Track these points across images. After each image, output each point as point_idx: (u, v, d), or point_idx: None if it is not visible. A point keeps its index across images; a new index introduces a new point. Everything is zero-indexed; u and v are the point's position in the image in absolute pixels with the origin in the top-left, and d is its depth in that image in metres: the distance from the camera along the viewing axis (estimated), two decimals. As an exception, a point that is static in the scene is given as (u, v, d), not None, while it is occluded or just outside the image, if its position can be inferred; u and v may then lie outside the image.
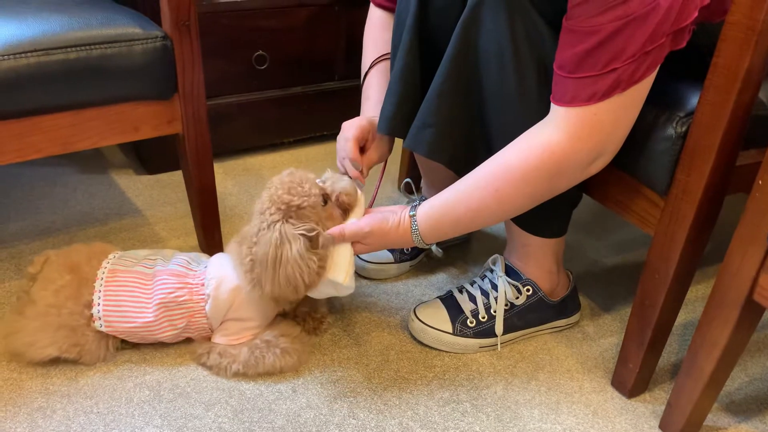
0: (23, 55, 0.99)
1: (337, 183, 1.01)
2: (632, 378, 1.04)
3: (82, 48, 1.03)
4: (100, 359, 1.04)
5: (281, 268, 0.93)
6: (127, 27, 1.08)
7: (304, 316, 1.14)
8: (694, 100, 0.87)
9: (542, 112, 0.89)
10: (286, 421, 0.97)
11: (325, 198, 1.00)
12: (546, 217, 1.04)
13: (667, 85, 0.92)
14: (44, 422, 0.94)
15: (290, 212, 0.96)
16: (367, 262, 1.28)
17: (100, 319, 1.01)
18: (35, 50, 1.00)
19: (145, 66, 1.09)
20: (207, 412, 0.97)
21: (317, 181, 1.01)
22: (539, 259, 1.10)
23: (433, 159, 1.00)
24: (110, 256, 1.07)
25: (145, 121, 1.15)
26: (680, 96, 0.91)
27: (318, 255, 0.96)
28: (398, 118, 1.04)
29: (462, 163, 1.00)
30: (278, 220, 0.95)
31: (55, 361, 1.03)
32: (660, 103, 0.90)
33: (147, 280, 1.04)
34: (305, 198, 0.96)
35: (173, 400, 0.99)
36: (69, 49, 1.02)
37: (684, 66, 0.92)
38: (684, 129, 0.87)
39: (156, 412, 0.97)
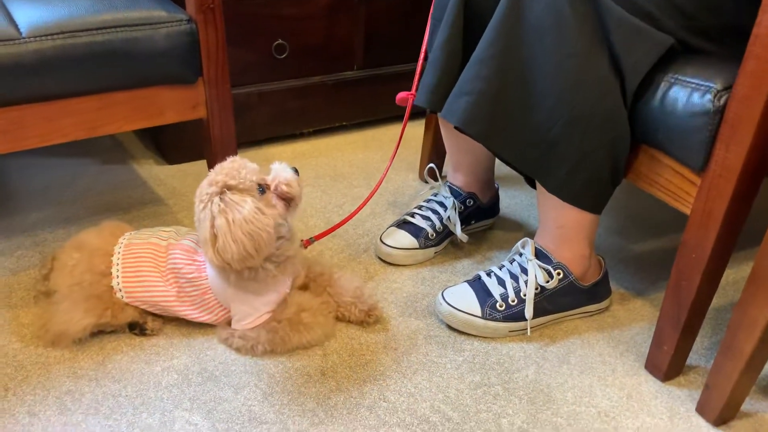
0: (49, 37, 0.98)
1: (279, 173, 1.02)
2: (667, 361, 1.02)
3: (108, 30, 1.03)
4: (134, 318, 1.05)
5: (237, 228, 0.93)
6: (151, 10, 1.08)
7: (348, 306, 1.11)
8: (731, 73, 0.85)
9: (595, 69, 0.89)
10: (317, 404, 0.95)
11: (264, 187, 1.00)
12: (589, 189, 1.00)
13: (702, 60, 0.90)
14: (73, 405, 0.93)
15: (225, 190, 0.96)
16: (393, 248, 1.27)
17: (120, 290, 1.02)
18: (61, 32, 0.99)
19: (169, 49, 1.09)
20: (236, 395, 0.96)
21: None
22: (573, 242, 1.08)
23: (465, 130, 0.99)
24: (125, 234, 1.08)
25: (170, 105, 1.14)
26: (716, 70, 0.89)
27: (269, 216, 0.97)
28: (440, 92, 1.05)
29: (492, 138, 0.99)
30: (216, 194, 0.96)
31: (82, 346, 1.03)
32: (694, 77, 0.88)
33: (161, 252, 1.04)
34: (241, 181, 0.97)
35: (202, 384, 0.98)
36: (94, 32, 1.02)
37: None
38: (722, 102, 0.85)
39: (185, 395, 0.96)
